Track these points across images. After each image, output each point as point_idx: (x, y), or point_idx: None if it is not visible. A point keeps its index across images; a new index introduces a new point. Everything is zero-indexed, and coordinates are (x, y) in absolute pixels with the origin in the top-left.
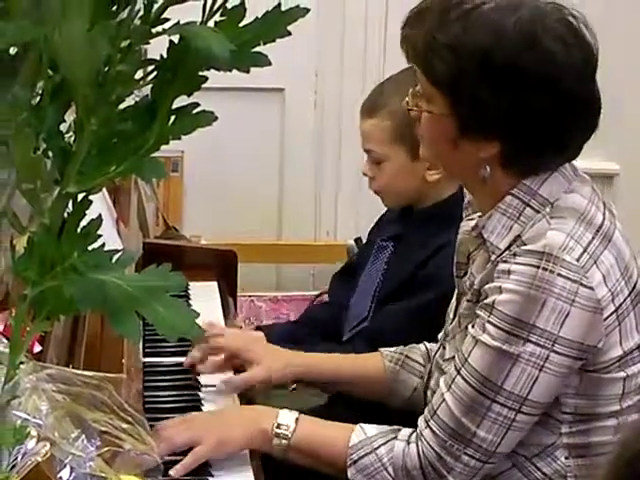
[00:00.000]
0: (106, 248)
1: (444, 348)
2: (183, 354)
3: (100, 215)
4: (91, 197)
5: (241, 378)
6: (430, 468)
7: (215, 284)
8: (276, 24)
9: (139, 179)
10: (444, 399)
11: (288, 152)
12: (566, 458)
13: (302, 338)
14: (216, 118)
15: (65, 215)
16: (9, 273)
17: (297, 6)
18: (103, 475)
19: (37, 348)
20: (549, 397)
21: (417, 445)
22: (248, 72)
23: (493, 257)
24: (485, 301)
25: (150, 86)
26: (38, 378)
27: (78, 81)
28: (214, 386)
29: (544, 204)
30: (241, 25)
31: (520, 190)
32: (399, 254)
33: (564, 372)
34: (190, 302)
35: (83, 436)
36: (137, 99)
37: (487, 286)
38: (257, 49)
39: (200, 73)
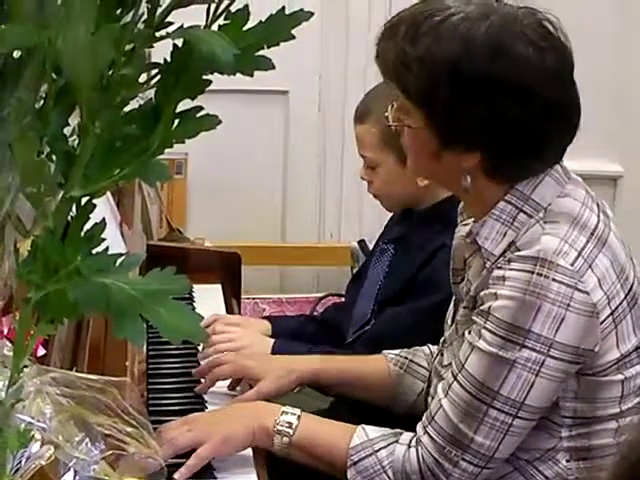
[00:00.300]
0: (110, 251)
1: (442, 355)
2: (187, 357)
3: (104, 219)
4: (95, 200)
5: (249, 396)
6: (429, 473)
7: (219, 286)
8: (280, 28)
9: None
10: (441, 405)
11: (292, 154)
12: (567, 461)
13: (309, 336)
14: (220, 122)
15: (69, 219)
16: (13, 277)
17: (301, 10)
18: (107, 478)
19: (41, 351)
20: (546, 402)
21: (417, 450)
22: (252, 76)
23: (488, 264)
24: (481, 307)
25: (154, 90)
26: (42, 382)
27: (82, 85)
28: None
29: (537, 209)
30: (245, 29)
31: (513, 196)
32: (400, 256)
33: (560, 377)
34: (194, 304)
35: (87, 439)
36: (141, 102)
37: (482, 293)
38: (261, 53)
39: (204, 77)
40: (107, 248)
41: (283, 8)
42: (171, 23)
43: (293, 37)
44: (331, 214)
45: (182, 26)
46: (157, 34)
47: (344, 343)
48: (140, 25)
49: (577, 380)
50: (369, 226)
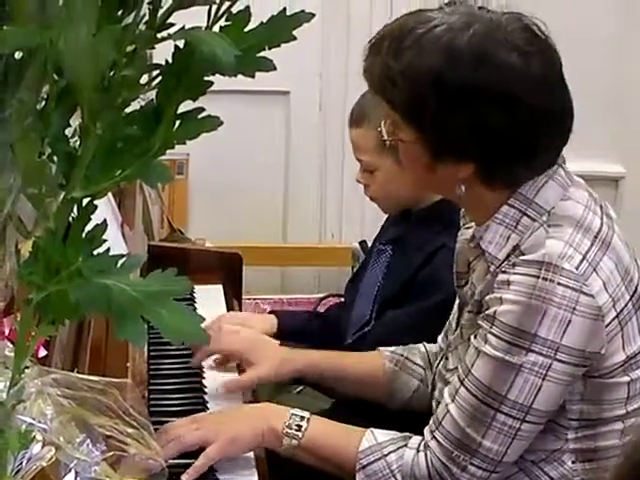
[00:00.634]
0: (111, 252)
1: (447, 359)
2: (188, 357)
3: (105, 220)
4: (96, 201)
5: (245, 377)
6: (438, 478)
7: (220, 287)
8: (281, 29)
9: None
10: (448, 410)
11: (293, 155)
12: (573, 462)
13: (314, 333)
14: (221, 123)
15: (70, 220)
16: (14, 278)
17: (302, 11)
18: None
19: (42, 352)
20: (553, 405)
21: (425, 455)
22: (253, 77)
23: (492, 268)
24: (486, 312)
25: (155, 91)
26: (43, 382)
27: (83, 86)
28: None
29: (541, 212)
30: (246, 30)
31: (516, 199)
32: (398, 257)
33: (567, 380)
34: (195, 305)
35: (88, 440)
36: (142, 104)
37: (487, 297)
38: (262, 54)
39: (205, 78)
40: (108, 249)
41: (284, 9)
42: (172, 24)
43: (294, 38)
44: (332, 214)
45: (183, 27)
46: (158, 35)
47: (343, 344)
48: (142, 26)
49: (584, 382)
50: (370, 227)
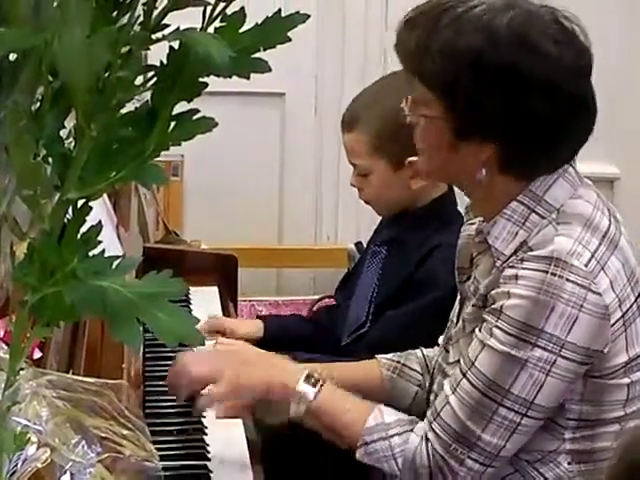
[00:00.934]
0: (106, 253)
1: (447, 352)
2: None
3: (100, 221)
4: (91, 202)
5: None
6: (437, 470)
7: (216, 289)
8: (276, 30)
9: None
10: (448, 401)
11: (289, 156)
12: (569, 464)
13: (303, 337)
14: (216, 124)
15: (65, 221)
16: (9, 279)
17: (297, 12)
18: None
19: (37, 354)
20: (554, 402)
21: (427, 445)
22: (248, 78)
23: (498, 263)
24: (492, 306)
25: (150, 92)
26: (38, 384)
27: (78, 87)
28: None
29: (550, 210)
30: (241, 31)
31: (526, 196)
32: (393, 258)
33: (570, 377)
34: (191, 307)
35: (83, 442)
36: (137, 105)
37: (494, 291)
38: (257, 55)
39: (200, 79)
40: (103, 250)
41: (279, 10)
42: (167, 25)
43: (289, 39)
44: (328, 216)
45: (178, 28)
46: (153, 36)
47: (339, 346)
48: (136, 27)
49: (584, 382)
50: (366, 228)
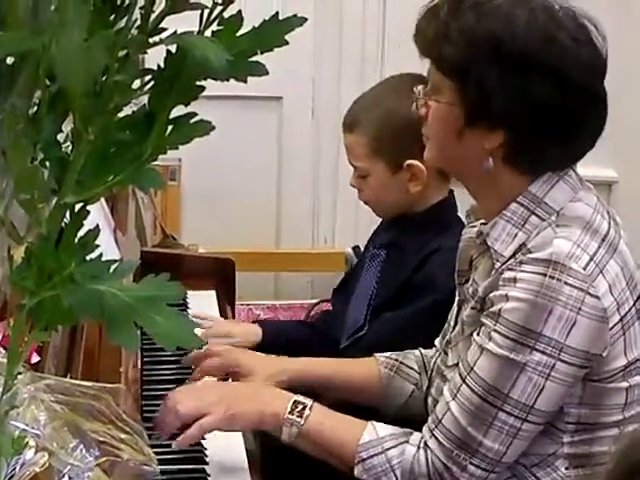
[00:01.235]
0: (104, 257)
1: (446, 354)
2: (181, 363)
3: (98, 225)
4: (89, 206)
5: None
6: (437, 477)
7: (213, 293)
8: (274, 33)
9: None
10: (449, 408)
11: (286, 160)
12: (566, 468)
13: (300, 342)
14: (213, 128)
15: (63, 225)
16: (7, 283)
17: (295, 15)
18: None
19: (35, 358)
20: (555, 406)
21: (425, 453)
22: (245, 82)
23: (497, 265)
24: (491, 309)
25: (147, 96)
26: (36, 388)
27: (75, 91)
28: None
29: (550, 212)
30: (238, 34)
31: (525, 198)
32: (392, 261)
33: (570, 381)
34: (188, 311)
35: (81, 446)
36: (134, 109)
37: (492, 294)
38: (254, 58)
39: (197, 83)
40: (101, 254)
41: (276, 14)
42: (165, 29)
43: (286, 42)
44: (325, 220)
45: (175, 32)
46: (151, 40)
47: (337, 349)
48: (134, 31)
49: (583, 386)
50: (363, 232)
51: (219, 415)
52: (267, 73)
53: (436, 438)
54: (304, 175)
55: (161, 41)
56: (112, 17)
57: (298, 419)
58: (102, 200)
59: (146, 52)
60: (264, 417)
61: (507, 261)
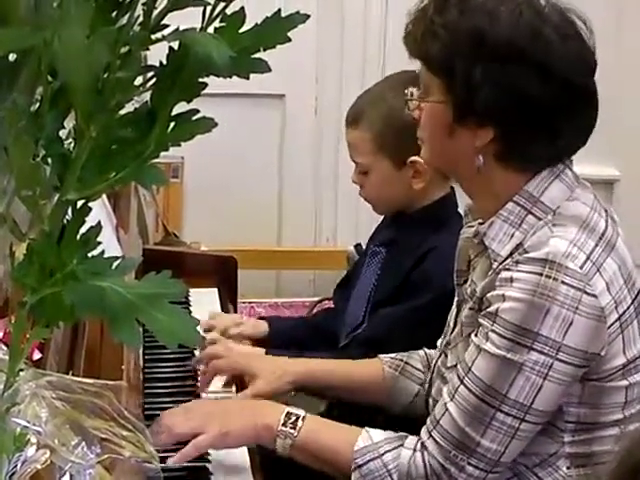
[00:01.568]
0: (106, 254)
1: (446, 356)
2: (183, 361)
3: (100, 222)
4: (90, 203)
5: (244, 396)
6: (435, 478)
7: (215, 290)
8: (276, 30)
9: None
10: (447, 409)
11: (288, 158)
12: (568, 468)
13: (303, 339)
14: (215, 125)
15: (65, 222)
16: (8, 280)
17: (297, 12)
18: None
19: (37, 355)
20: (553, 405)
21: (422, 454)
22: (248, 78)
23: (495, 265)
24: (488, 309)
25: (150, 92)
26: (38, 385)
27: (77, 87)
28: (214, 392)
29: (546, 211)
30: (241, 31)
31: (522, 197)
32: (391, 259)
33: (568, 380)
34: (190, 308)
35: (83, 443)
36: (137, 105)
37: (489, 294)
38: (257, 55)
39: (200, 79)
40: (103, 251)
41: (279, 11)
42: (167, 26)
43: (289, 40)
44: (327, 218)
45: (178, 28)
46: (153, 37)
47: (338, 346)
48: (136, 28)
49: (582, 385)
50: (365, 230)
51: (214, 433)
52: (269, 70)
53: (434, 439)
54: (306, 173)
55: (163, 38)
56: (114, 13)
57: (292, 431)
58: (104, 197)
59: (148, 49)
60: (258, 431)
61: (504, 261)
